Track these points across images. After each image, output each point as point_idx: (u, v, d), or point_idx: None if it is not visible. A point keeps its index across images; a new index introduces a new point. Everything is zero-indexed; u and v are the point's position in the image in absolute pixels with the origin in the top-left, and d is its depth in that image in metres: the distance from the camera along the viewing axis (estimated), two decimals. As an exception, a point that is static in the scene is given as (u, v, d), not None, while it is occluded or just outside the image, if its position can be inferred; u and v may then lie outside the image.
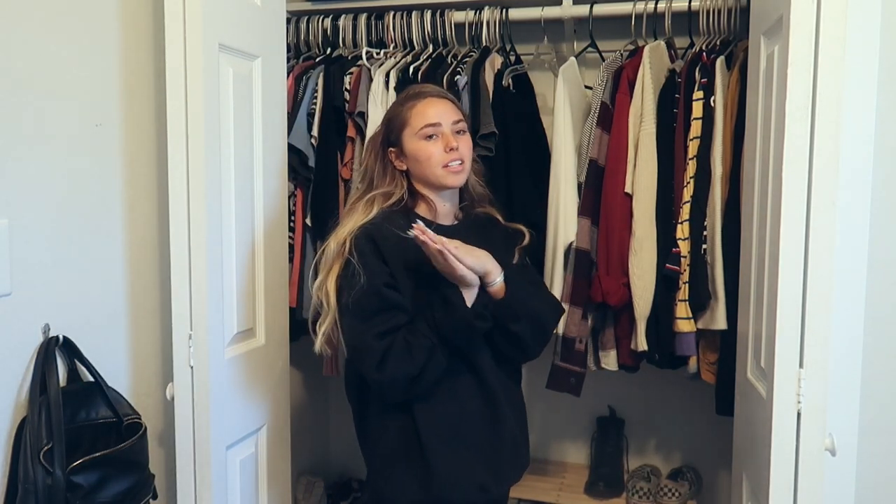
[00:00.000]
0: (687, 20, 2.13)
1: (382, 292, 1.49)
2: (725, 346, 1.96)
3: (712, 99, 1.96)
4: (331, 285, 1.52)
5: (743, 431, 1.78)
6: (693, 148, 1.97)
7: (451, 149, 1.57)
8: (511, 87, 2.19)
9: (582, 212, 2.07)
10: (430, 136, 1.58)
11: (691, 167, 1.97)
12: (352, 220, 1.56)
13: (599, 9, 2.21)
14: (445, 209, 1.65)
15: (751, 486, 1.67)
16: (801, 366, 1.37)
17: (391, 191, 1.61)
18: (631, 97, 2.05)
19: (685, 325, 1.95)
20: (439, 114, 1.59)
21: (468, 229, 1.64)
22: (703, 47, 2.07)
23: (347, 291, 1.49)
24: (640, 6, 2.15)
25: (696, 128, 1.97)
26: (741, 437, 1.80)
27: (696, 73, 1.98)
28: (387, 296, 1.49)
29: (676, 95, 2.02)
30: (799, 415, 1.38)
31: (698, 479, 2.50)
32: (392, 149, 1.63)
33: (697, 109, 1.97)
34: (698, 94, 1.97)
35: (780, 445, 1.39)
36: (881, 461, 1.73)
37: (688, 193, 1.96)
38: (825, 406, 1.39)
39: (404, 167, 1.62)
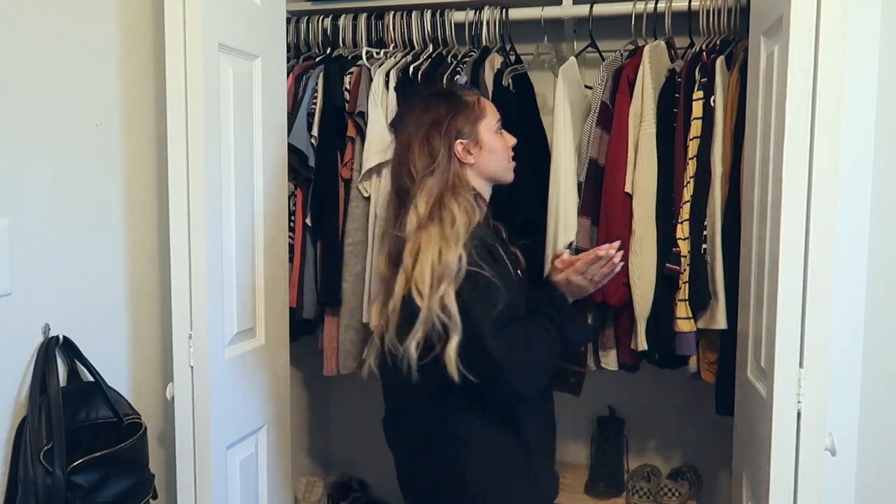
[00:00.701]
0: (687, 20, 2.13)
1: (519, 301, 1.54)
2: (725, 345, 1.96)
3: (712, 99, 1.96)
4: (451, 302, 1.41)
5: (743, 431, 1.78)
6: (693, 148, 1.97)
7: (511, 146, 1.66)
8: (511, 87, 2.19)
9: (582, 211, 2.07)
10: (499, 132, 1.63)
11: (691, 167, 1.96)
12: (459, 225, 1.47)
13: (599, 8, 2.20)
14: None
15: (751, 485, 1.67)
16: (801, 365, 1.37)
17: (465, 187, 1.56)
18: (631, 97, 2.05)
19: (685, 325, 1.95)
20: None
21: (497, 234, 1.67)
22: (703, 47, 2.06)
23: (482, 306, 1.43)
24: (640, 6, 2.14)
25: (696, 127, 1.96)
26: (741, 436, 1.80)
27: (697, 73, 1.98)
28: (520, 304, 1.54)
29: (676, 95, 2.02)
30: (799, 414, 1.38)
31: (698, 479, 2.49)
32: (462, 140, 1.56)
33: (697, 109, 1.96)
34: (698, 94, 1.96)
35: (780, 445, 1.39)
36: (881, 461, 1.73)
37: (688, 193, 1.96)
38: (825, 406, 1.39)
39: (471, 161, 1.57)
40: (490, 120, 1.61)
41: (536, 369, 1.50)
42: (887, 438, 1.73)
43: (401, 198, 1.56)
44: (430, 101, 1.60)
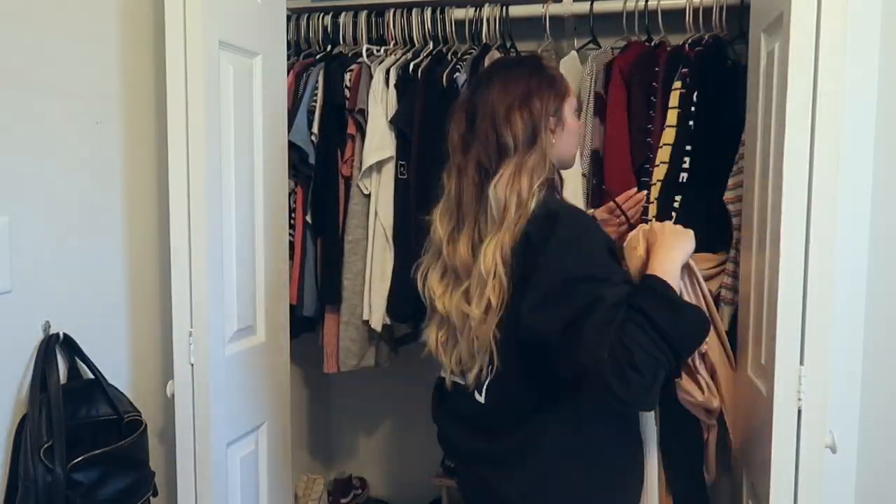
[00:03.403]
0: (681, 17, 2.13)
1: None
2: None
3: (694, 94, 2.00)
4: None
5: (743, 428, 1.78)
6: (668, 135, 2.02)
7: None
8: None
9: (591, 204, 2.09)
10: (576, 113, 1.51)
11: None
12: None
13: (600, 6, 2.21)
14: None
15: (751, 483, 1.67)
16: (801, 363, 1.37)
17: (552, 170, 1.43)
18: (627, 90, 2.08)
19: None
20: None
21: None
22: (689, 40, 2.10)
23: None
24: (629, 4, 2.15)
25: (671, 117, 2.02)
26: (741, 433, 1.80)
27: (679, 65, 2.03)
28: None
29: (654, 84, 2.06)
30: (799, 412, 1.38)
31: (698, 477, 2.49)
32: (552, 118, 1.41)
33: (674, 99, 2.01)
34: (677, 84, 2.01)
35: (780, 443, 1.39)
36: (882, 458, 1.73)
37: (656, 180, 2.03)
38: (826, 403, 1.39)
39: (553, 141, 1.41)
40: (572, 99, 1.48)
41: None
42: (888, 436, 1.73)
43: (483, 177, 1.38)
44: (516, 72, 1.43)
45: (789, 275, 1.37)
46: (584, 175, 2.11)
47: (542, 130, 1.38)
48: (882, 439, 1.72)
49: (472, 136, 1.41)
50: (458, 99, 1.56)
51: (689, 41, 2.10)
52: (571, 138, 1.48)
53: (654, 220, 1.90)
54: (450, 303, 1.42)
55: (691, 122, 2.01)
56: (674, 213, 1.98)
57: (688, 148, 2.00)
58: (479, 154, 1.39)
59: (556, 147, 1.42)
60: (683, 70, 2.01)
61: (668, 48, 2.12)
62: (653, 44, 2.17)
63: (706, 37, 2.09)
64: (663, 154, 2.02)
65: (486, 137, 1.38)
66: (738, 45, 2.06)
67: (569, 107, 1.45)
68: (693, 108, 2.01)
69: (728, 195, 1.93)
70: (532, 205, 1.33)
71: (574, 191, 2.09)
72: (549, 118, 1.40)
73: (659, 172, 2.02)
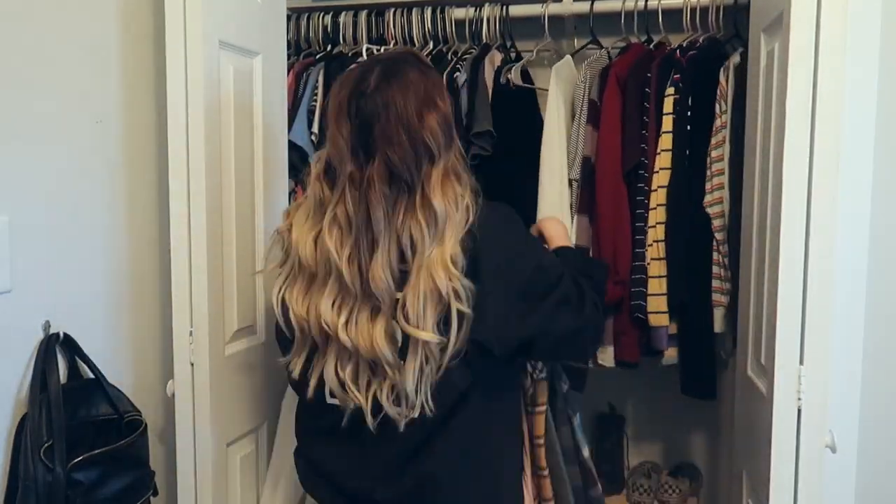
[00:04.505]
0: (679, 17, 2.14)
1: None
2: (690, 321, 2.06)
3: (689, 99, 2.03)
4: None
5: (743, 428, 1.78)
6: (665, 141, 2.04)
7: None
8: (511, 84, 2.19)
9: (579, 209, 2.09)
10: None
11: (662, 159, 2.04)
12: None
13: (600, 6, 2.21)
14: None
15: (751, 482, 1.67)
16: (801, 362, 1.37)
17: None
18: (623, 95, 2.08)
19: (658, 319, 2.02)
20: None
21: None
22: (683, 44, 2.11)
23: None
24: (629, 4, 2.15)
25: (667, 123, 2.03)
26: (741, 433, 1.80)
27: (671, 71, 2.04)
28: None
29: (647, 89, 2.06)
30: (799, 412, 1.39)
31: (698, 476, 2.50)
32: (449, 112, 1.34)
33: (668, 105, 2.03)
34: (670, 91, 2.02)
35: (780, 442, 1.40)
36: (882, 458, 1.73)
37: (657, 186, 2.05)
38: (826, 403, 1.39)
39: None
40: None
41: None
42: (888, 435, 1.73)
43: (398, 189, 1.26)
44: (405, 70, 1.29)
45: (789, 274, 1.37)
46: (575, 181, 2.11)
47: (452, 128, 1.31)
48: (882, 439, 1.72)
49: (371, 144, 1.24)
50: (328, 106, 1.34)
51: (684, 44, 2.11)
52: None
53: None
54: (362, 332, 1.25)
55: (688, 127, 2.01)
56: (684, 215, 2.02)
57: (687, 152, 2.02)
58: (390, 163, 1.23)
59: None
60: (676, 76, 2.02)
61: (661, 54, 2.11)
62: (652, 45, 2.17)
63: (700, 39, 2.10)
64: (663, 160, 2.02)
65: (400, 144, 1.23)
66: (734, 44, 2.07)
67: None
68: (689, 113, 2.02)
69: (707, 199, 2.01)
70: (471, 209, 1.26)
71: (561, 195, 2.09)
72: (450, 113, 1.32)
73: (661, 178, 2.03)
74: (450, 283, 1.21)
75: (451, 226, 1.23)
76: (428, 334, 1.21)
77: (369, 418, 1.28)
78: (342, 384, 1.28)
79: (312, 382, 1.32)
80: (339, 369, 1.28)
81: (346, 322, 1.25)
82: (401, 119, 1.24)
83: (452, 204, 1.24)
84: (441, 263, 1.21)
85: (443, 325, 1.23)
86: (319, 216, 1.29)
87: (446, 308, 1.22)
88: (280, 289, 1.34)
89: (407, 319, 1.22)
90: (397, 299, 1.24)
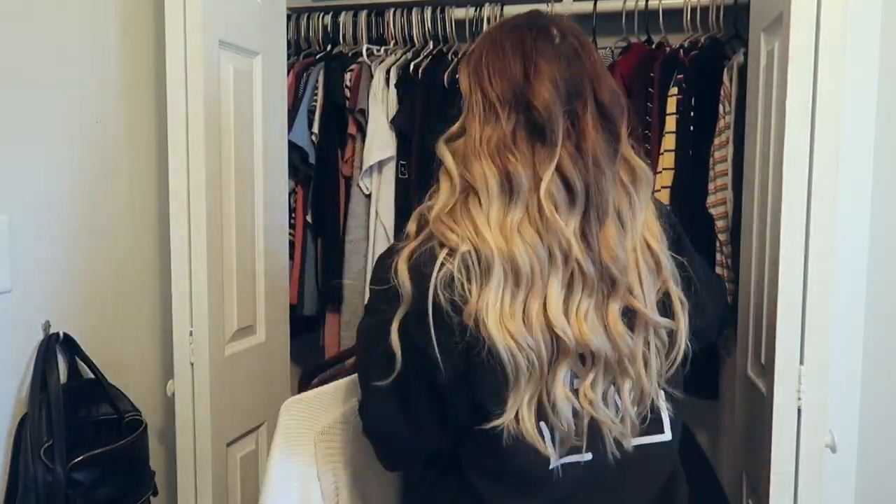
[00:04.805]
0: (680, 17, 2.14)
1: None
2: None
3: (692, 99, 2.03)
4: None
5: (743, 428, 1.78)
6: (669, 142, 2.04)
7: None
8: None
9: None
10: None
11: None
12: None
13: (600, 5, 2.21)
14: None
15: (751, 482, 1.67)
16: (801, 362, 1.37)
17: None
18: (627, 94, 2.07)
19: None
20: None
21: None
22: (685, 44, 2.11)
23: None
24: (629, 4, 2.16)
25: (670, 123, 2.04)
26: (741, 433, 1.80)
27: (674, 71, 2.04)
28: None
29: (650, 90, 2.07)
30: (799, 411, 1.38)
31: (699, 476, 2.49)
32: None
33: (672, 105, 2.03)
34: (673, 91, 2.02)
35: (780, 442, 1.39)
36: (882, 458, 1.73)
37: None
38: (826, 403, 1.38)
39: None
40: None
41: None
42: (888, 436, 1.73)
43: (608, 140, 1.01)
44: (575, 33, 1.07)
45: (789, 274, 1.37)
46: None
47: None
48: (882, 439, 1.72)
49: (583, 95, 1.01)
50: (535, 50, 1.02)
51: (686, 44, 2.11)
52: None
53: None
54: (606, 325, 0.98)
55: (692, 127, 2.02)
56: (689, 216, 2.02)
57: (690, 153, 2.02)
58: (608, 112, 1.01)
59: None
60: (679, 76, 2.03)
61: (663, 54, 2.12)
62: (654, 45, 2.17)
63: (702, 39, 2.10)
64: (666, 160, 2.03)
65: (611, 98, 1.02)
66: (734, 44, 2.08)
67: None
68: (692, 113, 2.02)
69: (710, 199, 2.02)
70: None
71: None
72: None
73: (664, 179, 2.04)
74: (663, 256, 1.01)
75: (648, 190, 1.04)
76: (662, 319, 1.00)
77: (621, 445, 1.01)
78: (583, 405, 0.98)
79: (531, 428, 0.97)
80: (583, 387, 0.99)
81: (585, 317, 0.97)
82: (606, 75, 1.05)
83: (641, 161, 1.05)
84: (652, 235, 1.02)
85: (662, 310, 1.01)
86: (506, 198, 0.99)
87: (663, 289, 1.01)
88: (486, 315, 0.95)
89: (637, 300, 0.98)
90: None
